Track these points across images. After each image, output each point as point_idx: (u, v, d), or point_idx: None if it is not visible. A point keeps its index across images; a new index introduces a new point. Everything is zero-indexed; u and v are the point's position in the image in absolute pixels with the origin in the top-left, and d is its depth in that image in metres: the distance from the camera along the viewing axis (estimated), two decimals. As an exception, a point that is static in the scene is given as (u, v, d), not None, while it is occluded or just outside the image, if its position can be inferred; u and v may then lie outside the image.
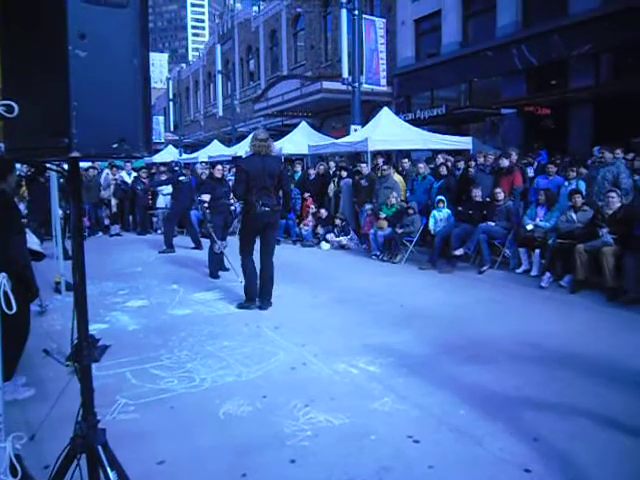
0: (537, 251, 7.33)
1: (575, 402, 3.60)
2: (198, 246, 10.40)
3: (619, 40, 12.65)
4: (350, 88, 14.57)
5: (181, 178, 10.86)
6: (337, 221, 10.68)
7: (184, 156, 25.36)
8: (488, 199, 8.23)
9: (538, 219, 7.52)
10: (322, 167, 11.95)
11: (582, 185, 7.70)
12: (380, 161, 10.88)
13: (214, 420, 3.43)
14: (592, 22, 13.07)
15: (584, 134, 13.51)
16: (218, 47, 31.82)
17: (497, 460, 2.90)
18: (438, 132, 13.94)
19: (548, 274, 6.93)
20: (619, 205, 6.53)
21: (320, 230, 10.91)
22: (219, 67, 31.24)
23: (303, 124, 17.73)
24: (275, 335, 5.14)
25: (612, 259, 6.15)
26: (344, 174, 11.24)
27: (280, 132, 21.53)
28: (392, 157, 15.48)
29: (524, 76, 15.32)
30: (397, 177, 10.19)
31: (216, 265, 7.78)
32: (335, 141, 13.55)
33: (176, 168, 13.94)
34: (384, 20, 17.89)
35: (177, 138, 35.53)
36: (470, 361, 4.40)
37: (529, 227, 7.47)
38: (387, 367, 4.28)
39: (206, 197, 8.20)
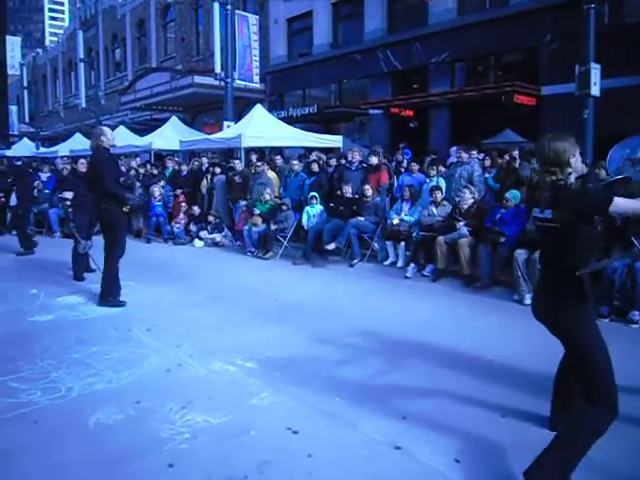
0: (402, 244, 7.81)
1: (438, 381, 3.91)
2: (27, 250, 9.32)
3: (471, 50, 13.88)
4: (222, 84, 14.40)
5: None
6: (210, 218, 10.49)
7: (42, 150, 23.33)
8: (357, 195, 8.58)
9: (403, 214, 8.01)
10: (196, 163, 11.66)
11: (442, 182, 8.32)
12: (254, 157, 10.88)
13: (83, 431, 3.22)
14: (449, 33, 14.20)
15: (443, 135, 14.62)
16: (80, 33, 29.57)
17: (370, 441, 3.06)
18: (310, 130, 14.29)
19: (413, 265, 7.42)
20: (472, 200, 7.17)
21: (193, 227, 10.64)
22: (81, 55, 29.02)
23: (174, 119, 17.19)
24: (147, 337, 4.93)
25: (467, 249, 6.75)
26: (217, 170, 11.08)
27: (149, 126, 20.67)
28: (265, 154, 15.57)
29: (390, 79, 16.21)
30: (271, 174, 10.27)
31: (81, 266, 7.27)
32: (208, 137, 13.32)
33: (18, 163, 12.77)
34: (257, 17, 17.90)
35: (33, 130, 32.48)
36: (343, 350, 4.58)
37: (395, 221, 7.93)
38: (264, 362, 4.30)
39: (68, 194, 7.61)
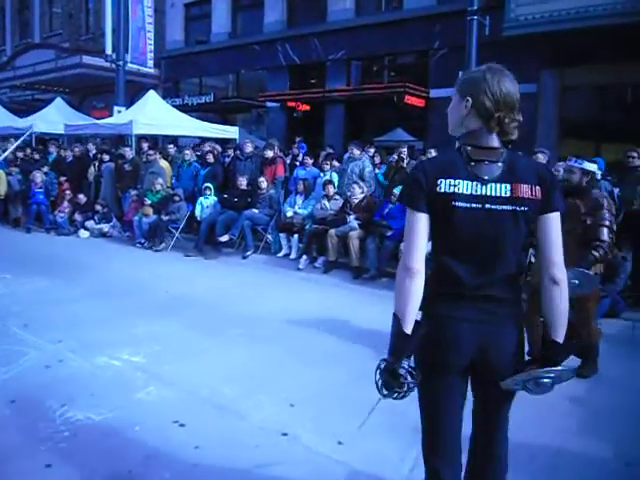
0: (296, 236, 7.96)
1: (326, 369, 4.06)
2: None
3: (367, 50, 14.33)
4: (114, 66, 13.68)
5: None
6: (98, 207, 9.99)
7: None
8: (251, 187, 8.58)
9: (297, 207, 8.15)
10: (77, 149, 10.99)
11: (335, 176, 8.54)
12: (145, 145, 10.48)
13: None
14: (346, 31, 14.54)
15: (338, 130, 14.98)
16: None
17: (258, 430, 3.13)
18: (206, 120, 14.00)
19: (305, 257, 7.59)
20: (362, 195, 7.45)
21: (78, 217, 10.04)
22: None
23: (58, 100, 16.00)
24: (25, 333, 4.63)
25: (357, 242, 7.02)
26: (106, 157, 10.54)
27: (30, 107, 19.10)
28: (158, 142, 15.04)
29: (287, 72, 16.28)
30: (163, 163, 9.95)
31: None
32: (97, 122, 12.58)
33: None
34: (152, -1, 17.15)
35: None
36: (235, 341, 4.61)
37: (289, 214, 8.05)
38: (152, 356, 4.22)
39: None
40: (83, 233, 9.81)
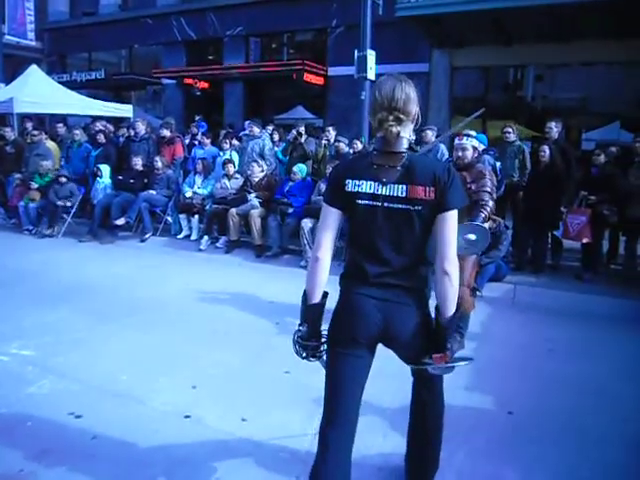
0: (196, 217, 7.81)
1: (226, 348, 4.08)
2: None
3: (265, 26, 14.15)
4: (-15, 38, 12.52)
5: None
6: (-23, 193, 9.19)
7: None
8: (147, 168, 8.26)
9: (196, 186, 7.96)
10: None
11: (235, 155, 8.43)
12: (29, 125, 9.72)
13: None
14: (243, 7, 14.26)
15: (238, 108, 14.77)
16: None
17: (160, 414, 3.09)
18: (97, 97, 13.23)
19: (206, 237, 7.48)
20: (263, 174, 7.44)
21: (-46, 204, 9.20)
22: None
23: None
24: None
25: (258, 220, 7.03)
26: (-18, 139, 9.67)
27: None
28: (45, 122, 14.02)
29: (184, 48, 15.73)
30: (50, 144, 9.28)
31: None
32: (-31, 99, 11.46)
33: None
34: (29, -36, 15.80)
35: None
36: (132, 327, 4.49)
37: (188, 194, 7.86)
38: (44, 347, 4.01)
39: None
40: (-39, 222, 9.00)
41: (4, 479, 2.53)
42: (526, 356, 4.17)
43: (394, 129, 1.92)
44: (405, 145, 1.95)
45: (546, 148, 6.18)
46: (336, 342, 2.04)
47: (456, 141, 4.21)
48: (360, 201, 1.94)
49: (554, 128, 6.52)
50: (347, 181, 1.95)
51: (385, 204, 1.91)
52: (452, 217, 1.92)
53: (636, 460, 2.81)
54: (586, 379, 3.73)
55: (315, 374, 3.45)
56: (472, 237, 3.59)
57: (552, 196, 6.16)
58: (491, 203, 3.96)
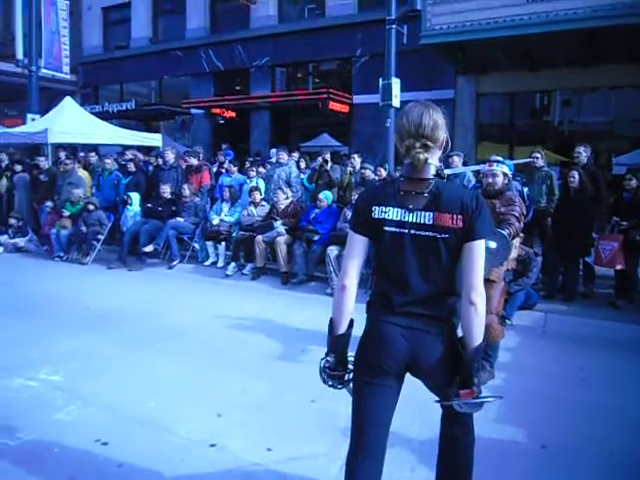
0: (223, 244, 7.89)
1: (256, 373, 4.05)
2: None
3: (291, 56, 14.45)
4: (26, 72, 13.02)
5: None
6: (12, 221, 9.44)
7: None
8: (175, 195, 8.41)
9: (223, 214, 8.06)
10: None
11: (261, 183, 8.53)
12: (62, 155, 10.03)
13: None
14: (270, 38, 14.62)
15: (264, 136, 15.00)
16: None
17: (185, 442, 3.07)
18: (128, 127, 13.60)
19: (233, 264, 7.53)
20: (288, 201, 7.49)
21: (-11, 232, 9.47)
22: None
23: (-37, 108, 15.05)
24: None
25: (284, 247, 7.06)
26: (19, 168, 9.99)
27: None
28: (77, 151, 14.45)
29: (212, 79, 16.13)
30: (82, 172, 9.55)
31: None
32: (8, 130, 11.88)
33: None
34: (67, 2, 16.43)
35: None
36: (160, 354, 4.50)
37: (215, 221, 7.96)
38: (72, 374, 4.04)
39: None
40: (-5, 248, 9.25)
41: (31, 506, 2.54)
42: (558, 386, 4.03)
43: (421, 156, 1.90)
44: (433, 172, 1.93)
45: (575, 173, 6.09)
46: (363, 371, 2.01)
47: (486, 167, 4.15)
48: (386, 228, 1.92)
49: (583, 153, 6.44)
50: (374, 208, 1.94)
51: (412, 231, 1.89)
52: (479, 246, 1.89)
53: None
54: (621, 410, 3.60)
55: (341, 403, 3.40)
56: (492, 245, 3.48)
57: (582, 222, 6.05)
58: (517, 224, 3.89)
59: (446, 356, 1.95)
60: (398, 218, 1.91)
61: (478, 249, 1.88)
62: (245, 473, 2.79)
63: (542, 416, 3.51)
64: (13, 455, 2.93)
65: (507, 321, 5.61)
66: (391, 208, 1.92)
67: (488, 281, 3.71)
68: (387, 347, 1.95)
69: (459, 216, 1.85)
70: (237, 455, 2.95)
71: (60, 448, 3.00)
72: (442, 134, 1.94)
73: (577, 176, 6.07)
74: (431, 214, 1.87)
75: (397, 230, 1.91)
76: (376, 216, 1.94)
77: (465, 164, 8.15)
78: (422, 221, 1.88)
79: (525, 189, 6.56)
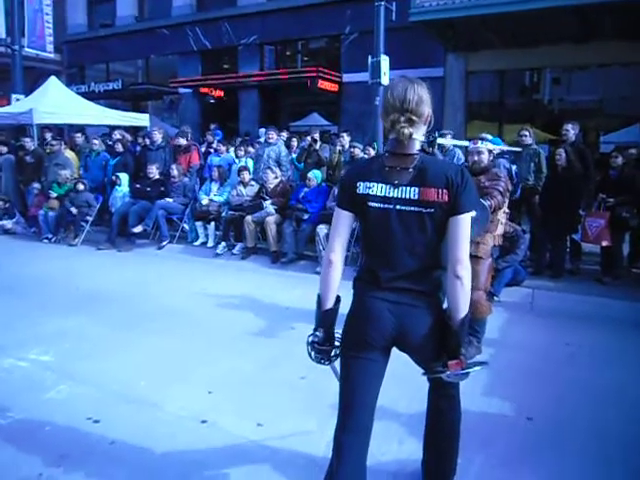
0: (212, 224, 7.86)
1: (247, 350, 4.08)
2: None
3: (279, 34, 14.25)
4: (9, 51, 12.78)
5: None
6: (-1, 203, 9.35)
7: None
8: (163, 176, 8.34)
9: (212, 194, 8.02)
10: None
11: (250, 162, 8.48)
12: (48, 136, 9.90)
13: None
14: (257, 15, 14.39)
15: (253, 116, 14.86)
16: None
17: (175, 419, 3.11)
18: (115, 107, 13.43)
19: (223, 244, 7.52)
20: (277, 180, 7.46)
21: (-24, 214, 9.36)
22: None
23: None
24: None
25: (274, 227, 7.05)
26: (4, 149, 9.85)
27: None
28: (64, 132, 14.28)
29: (199, 57, 15.90)
30: (69, 153, 9.43)
31: None
32: (-8, 110, 11.71)
33: None
34: (50, -21, 16.10)
35: None
36: (150, 333, 4.51)
37: (204, 202, 7.92)
38: (62, 354, 4.06)
39: None
40: (-18, 231, 9.16)
41: (25, 483, 2.56)
42: (546, 361, 4.10)
43: (406, 130, 1.90)
44: (417, 147, 1.94)
45: (562, 151, 6.11)
46: (350, 346, 2.04)
47: (471, 145, 4.13)
48: (371, 203, 1.93)
49: (571, 130, 6.45)
50: (358, 183, 1.95)
51: (397, 207, 1.90)
52: (465, 220, 1.90)
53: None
54: (607, 385, 3.66)
55: (331, 379, 3.43)
56: (472, 214, 3.51)
57: (570, 199, 6.09)
58: (499, 197, 3.87)
59: (432, 331, 1.97)
60: (383, 194, 1.91)
61: (463, 223, 1.90)
62: (236, 447, 2.82)
63: (529, 390, 3.57)
64: (4, 434, 2.95)
65: (495, 297, 5.67)
66: (375, 184, 1.92)
67: (475, 258, 3.74)
68: (373, 321, 1.97)
69: (444, 190, 1.86)
70: (227, 431, 2.98)
71: (51, 426, 3.03)
72: (427, 109, 1.95)
73: (564, 154, 6.09)
74: (416, 189, 1.88)
75: (382, 206, 1.91)
76: (361, 192, 1.94)
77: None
78: (407, 196, 1.88)
79: (513, 167, 6.55)
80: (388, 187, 1.91)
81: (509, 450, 2.83)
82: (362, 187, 1.94)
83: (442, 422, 2.27)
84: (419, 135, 1.95)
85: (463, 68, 12.32)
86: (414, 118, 1.90)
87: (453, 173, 1.89)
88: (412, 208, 1.89)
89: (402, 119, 1.90)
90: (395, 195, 1.90)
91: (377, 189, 1.92)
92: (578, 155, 6.32)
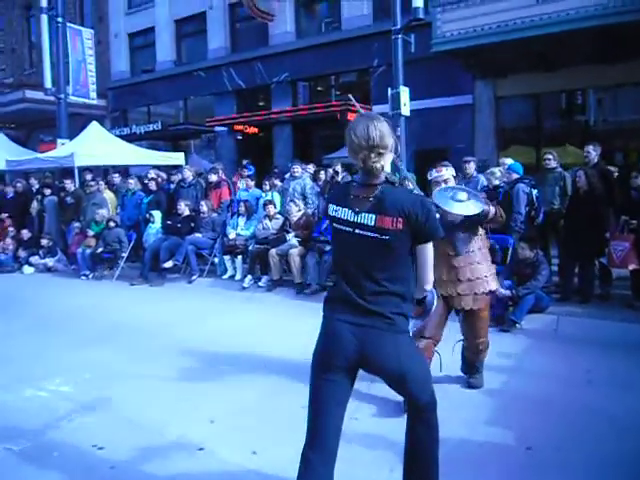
0: (240, 257, 8.05)
1: (250, 381, 4.13)
2: None
3: (310, 71, 14.65)
4: (55, 99, 13.65)
5: None
6: (43, 241, 9.86)
7: None
8: (194, 212, 8.64)
9: (239, 228, 8.24)
10: (19, 185, 10.89)
11: (276, 196, 8.68)
12: (88, 177, 10.45)
13: None
14: (288, 54, 14.87)
15: (287, 151, 15.20)
16: None
17: (174, 445, 3.19)
18: (156, 148, 14.05)
19: (249, 277, 7.68)
20: (300, 213, 7.60)
21: (22, 253, 9.91)
22: None
23: (1, 136, 15.82)
24: (-48, 372, 4.58)
25: (298, 259, 7.16)
26: (48, 192, 10.47)
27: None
28: (109, 173, 14.99)
29: (234, 97, 16.49)
30: (107, 193, 9.94)
31: None
32: (38, 155, 12.49)
33: None
34: (92, 31, 17.08)
35: None
36: (169, 365, 4.62)
37: (231, 235, 8.13)
38: (81, 384, 4.24)
39: None
40: (27, 269, 9.67)
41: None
42: (560, 389, 3.95)
43: (378, 165, 2.04)
44: (382, 178, 2.07)
45: (582, 173, 6.01)
46: (316, 366, 2.14)
47: (434, 173, 3.76)
48: (337, 225, 2.12)
49: (592, 152, 6.33)
50: (330, 205, 2.16)
51: (357, 231, 2.05)
52: (428, 248, 2.09)
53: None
54: (623, 413, 3.50)
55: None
56: (463, 196, 3.48)
57: (593, 223, 5.94)
58: (488, 208, 3.60)
59: (393, 352, 2.05)
60: (346, 217, 2.08)
61: (428, 250, 2.09)
62: (227, 474, 2.87)
63: (535, 419, 3.47)
64: (14, 459, 3.11)
65: (517, 325, 5.55)
66: (341, 208, 2.10)
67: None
68: (336, 343, 2.07)
69: (399, 219, 1.99)
70: (223, 458, 3.04)
71: (59, 452, 3.17)
72: (390, 140, 2.07)
73: (583, 176, 5.98)
74: (373, 216, 2.03)
75: (346, 228, 2.08)
76: (331, 213, 2.15)
77: (486, 168, 8.04)
78: (366, 222, 2.03)
79: (534, 191, 6.46)
80: (351, 212, 2.07)
81: (500, 477, 2.75)
82: (332, 209, 2.14)
83: (419, 448, 2.29)
84: (387, 165, 2.10)
85: (492, 94, 12.29)
86: (382, 151, 2.04)
87: (409, 204, 2.01)
88: (369, 234, 2.03)
89: (372, 155, 2.03)
90: (356, 220, 2.06)
91: (342, 213, 2.09)
92: (601, 177, 6.19)
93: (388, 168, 2.13)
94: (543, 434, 3.24)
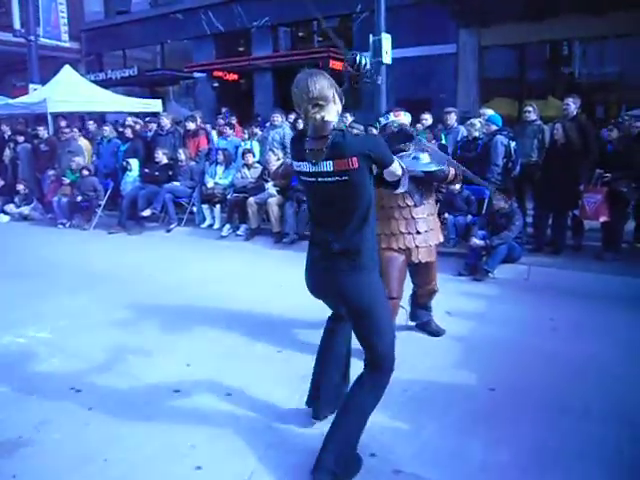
0: (218, 206, 8.03)
1: (226, 329, 4.22)
2: None
3: (292, 15, 14.19)
4: (25, 41, 13.10)
5: None
6: (20, 187, 9.66)
7: None
8: (172, 160, 8.53)
9: (218, 177, 8.17)
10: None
11: (255, 145, 8.58)
12: (62, 124, 10.17)
13: None
14: (269, -3, 14.35)
15: (267, 99, 14.90)
16: None
17: (152, 389, 3.28)
18: (132, 94, 13.66)
19: (228, 226, 7.70)
20: (279, 162, 7.55)
21: (-4, 201, 9.75)
22: None
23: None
24: None
25: (276, 208, 7.17)
26: (20, 139, 10.18)
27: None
28: (84, 120, 14.59)
29: (213, 41, 15.99)
30: (82, 141, 9.71)
31: None
32: (9, 101, 12.05)
33: None
34: (63, -32, 16.33)
35: None
36: (146, 311, 4.69)
37: (210, 184, 8.08)
38: (58, 330, 4.27)
39: None
40: (3, 217, 9.54)
41: (5, 444, 2.76)
42: (526, 335, 4.11)
43: (318, 116, 2.18)
44: (330, 128, 2.18)
45: (560, 126, 6.03)
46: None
47: (391, 116, 3.67)
48: (303, 177, 2.33)
49: (572, 105, 6.33)
50: (293, 162, 2.37)
51: (319, 179, 2.24)
52: (392, 167, 2.34)
53: (614, 433, 2.76)
54: (585, 359, 3.65)
55: (305, 353, 3.58)
56: (426, 159, 3.55)
57: (568, 175, 6.01)
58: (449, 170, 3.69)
59: (355, 289, 2.30)
60: (307, 170, 2.27)
61: (391, 168, 2.34)
62: (201, 415, 2.96)
63: (501, 362, 3.62)
64: (-7, 402, 3.17)
65: (489, 274, 5.69)
66: (301, 163, 2.28)
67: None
68: (311, 282, 2.47)
69: (353, 158, 2.14)
70: (197, 400, 3.13)
71: (38, 394, 3.24)
72: (330, 92, 2.22)
73: (561, 129, 6.00)
74: (331, 162, 2.18)
75: (309, 179, 2.29)
76: (296, 169, 2.36)
77: (467, 120, 7.99)
78: (325, 169, 2.20)
79: (512, 143, 6.48)
80: (309, 165, 2.24)
81: (463, 419, 2.90)
82: (295, 165, 2.35)
83: (357, 400, 2.44)
84: (332, 116, 2.23)
85: (476, 43, 12.08)
86: (322, 102, 2.18)
87: (359, 144, 2.17)
88: (329, 179, 2.21)
89: (310, 107, 2.17)
90: (316, 170, 2.23)
91: (303, 167, 2.28)
92: (579, 130, 6.21)
93: (333, 119, 2.21)
94: (505, 377, 3.39)
